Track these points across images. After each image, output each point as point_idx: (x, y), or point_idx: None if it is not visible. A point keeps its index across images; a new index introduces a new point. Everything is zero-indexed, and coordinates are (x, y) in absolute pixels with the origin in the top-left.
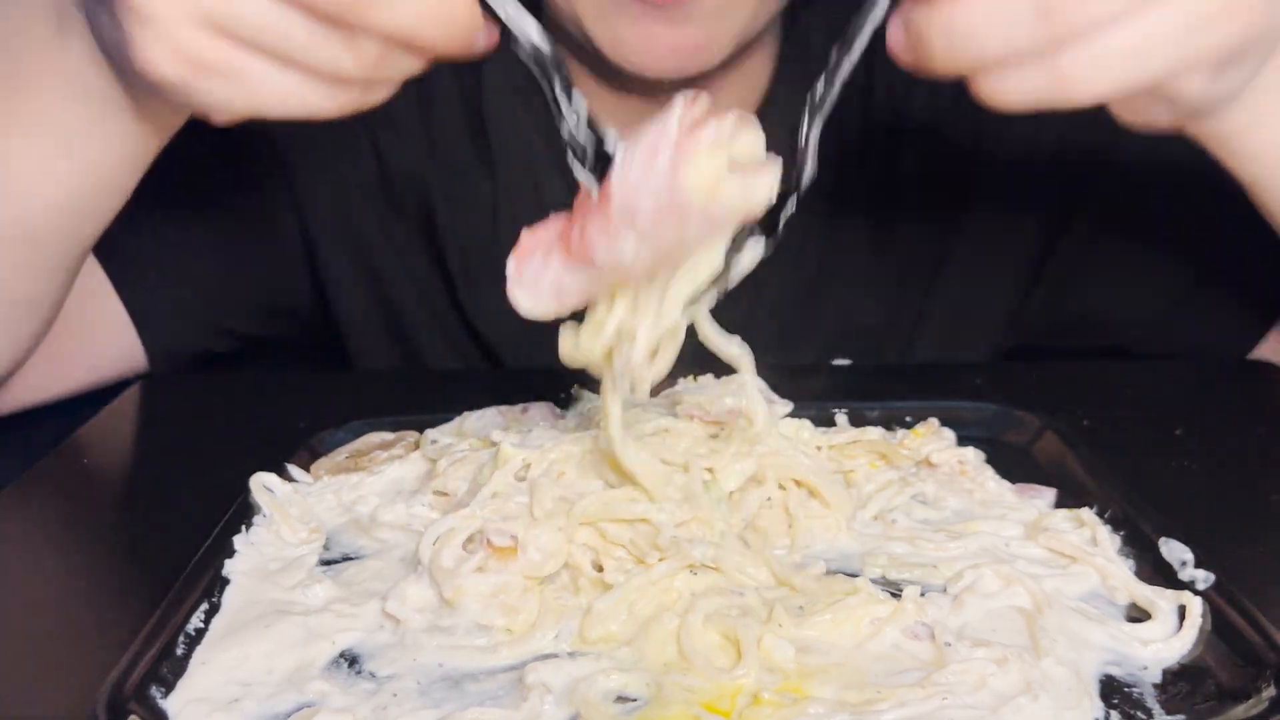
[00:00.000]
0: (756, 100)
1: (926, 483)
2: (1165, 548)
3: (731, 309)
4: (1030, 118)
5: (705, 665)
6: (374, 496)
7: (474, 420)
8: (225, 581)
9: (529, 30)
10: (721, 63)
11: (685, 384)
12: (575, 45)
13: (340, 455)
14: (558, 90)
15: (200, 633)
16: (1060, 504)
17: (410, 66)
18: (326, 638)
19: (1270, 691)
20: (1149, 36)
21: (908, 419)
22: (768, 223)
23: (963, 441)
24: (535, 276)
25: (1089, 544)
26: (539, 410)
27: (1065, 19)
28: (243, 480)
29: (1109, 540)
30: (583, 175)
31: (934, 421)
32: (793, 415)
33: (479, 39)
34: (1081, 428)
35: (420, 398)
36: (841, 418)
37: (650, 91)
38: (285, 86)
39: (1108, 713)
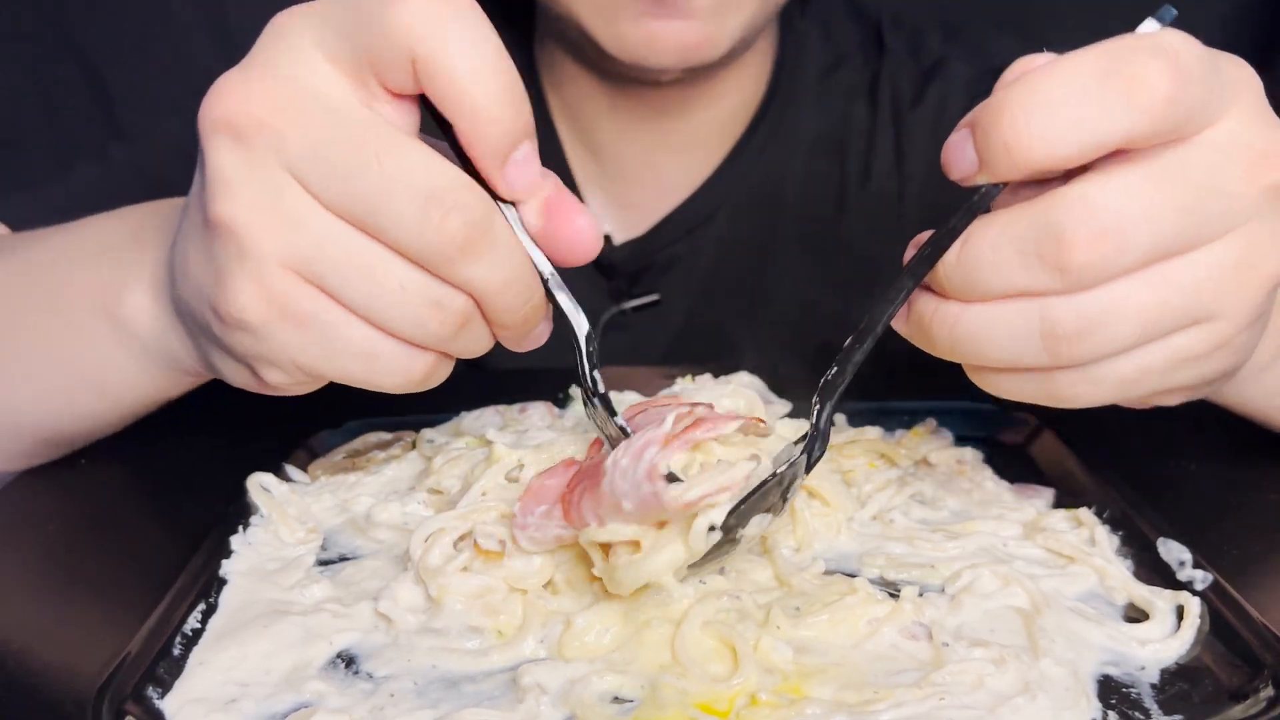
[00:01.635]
0: (755, 101)
1: (924, 482)
2: (1163, 548)
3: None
4: None
5: (701, 674)
6: (369, 496)
7: (471, 420)
8: (223, 582)
9: (580, 323)
10: (724, 56)
11: (683, 384)
12: (573, 47)
13: (338, 455)
14: (589, 370)
15: (197, 633)
16: (1058, 504)
17: (480, 345)
18: (324, 638)
19: (1268, 691)
20: (1141, 368)
21: (906, 418)
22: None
23: (961, 441)
24: (538, 529)
25: (1087, 544)
26: (537, 410)
27: (1068, 350)
28: (240, 480)
29: (1107, 540)
30: (601, 428)
31: (932, 421)
32: (790, 415)
33: (542, 329)
34: (1080, 427)
35: (418, 398)
36: (840, 417)
37: (651, 85)
38: (361, 344)
39: (1105, 713)
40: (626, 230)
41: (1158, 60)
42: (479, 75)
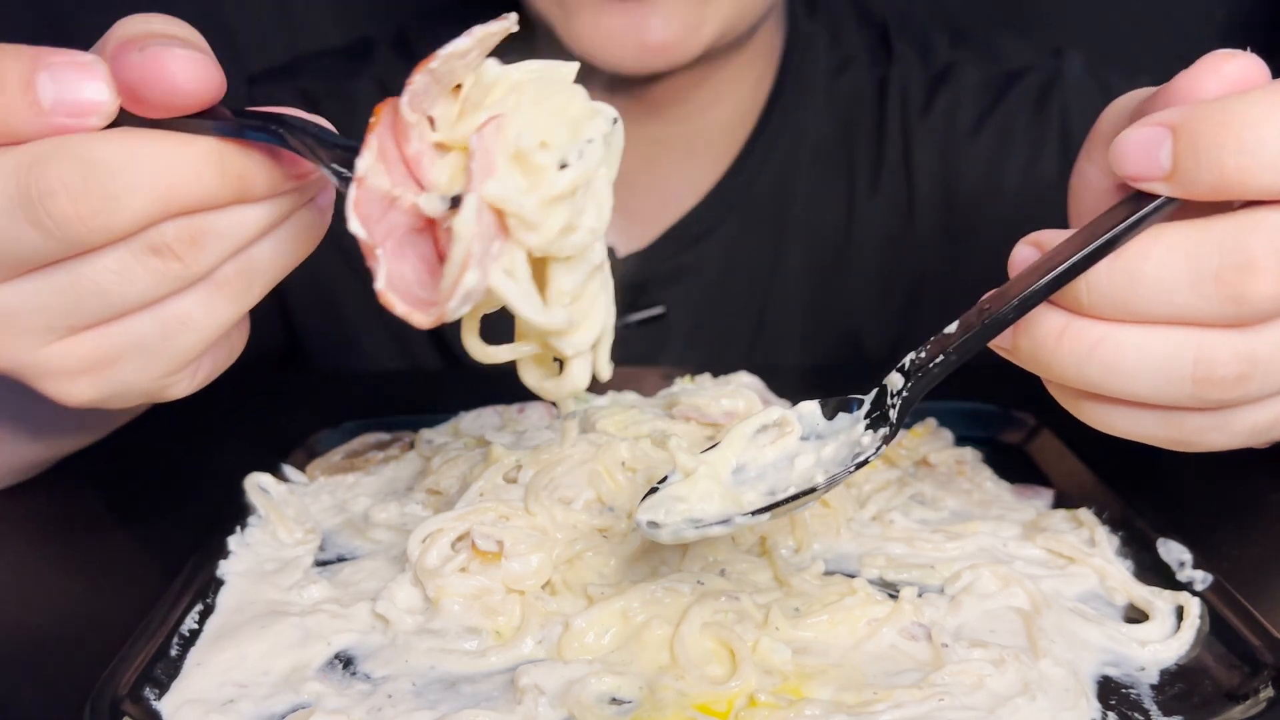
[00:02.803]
0: (759, 104)
1: (924, 483)
2: (1163, 548)
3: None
4: None
5: (700, 676)
6: (367, 497)
7: (470, 420)
8: (220, 582)
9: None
10: (696, 59)
11: (682, 384)
12: (557, 46)
13: (336, 456)
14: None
15: (195, 634)
16: (1058, 504)
17: (229, 241)
18: (322, 639)
19: (1268, 692)
20: (1275, 418)
21: (905, 418)
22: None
23: (961, 441)
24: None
25: (1087, 544)
26: (536, 410)
27: (1218, 394)
28: (238, 481)
29: (1107, 540)
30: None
31: (932, 421)
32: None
33: (258, 177)
34: (1080, 427)
35: (416, 398)
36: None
37: (640, 82)
38: (187, 327)
39: (1105, 713)
40: (630, 242)
41: None
42: None
